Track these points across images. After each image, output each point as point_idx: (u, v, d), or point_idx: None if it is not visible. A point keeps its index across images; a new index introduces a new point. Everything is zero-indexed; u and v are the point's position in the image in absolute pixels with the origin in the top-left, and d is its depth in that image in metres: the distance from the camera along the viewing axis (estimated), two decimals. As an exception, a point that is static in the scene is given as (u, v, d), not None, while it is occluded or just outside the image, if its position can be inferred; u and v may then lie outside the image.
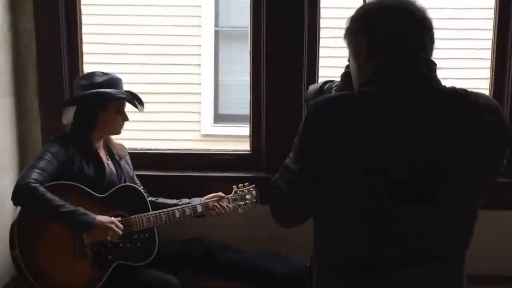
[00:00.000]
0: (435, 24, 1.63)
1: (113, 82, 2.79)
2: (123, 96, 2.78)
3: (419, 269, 1.60)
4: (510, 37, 3.10)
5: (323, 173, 1.57)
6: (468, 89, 1.59)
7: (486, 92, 3.19)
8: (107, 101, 2.76)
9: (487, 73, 3.32)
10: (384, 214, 1.55)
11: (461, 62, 5.70)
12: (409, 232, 1.56)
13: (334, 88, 1.93)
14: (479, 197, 1.62)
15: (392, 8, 1.59)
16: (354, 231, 1.59)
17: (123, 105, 2.83)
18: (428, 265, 1.61)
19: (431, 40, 1.62)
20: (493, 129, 1.58)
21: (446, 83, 1.62)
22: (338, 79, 1.91)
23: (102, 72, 2.81)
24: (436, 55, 1.64)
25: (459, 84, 1.62)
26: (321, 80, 2.12)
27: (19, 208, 2.62)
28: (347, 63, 1.77)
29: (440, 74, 1.62)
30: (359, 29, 1.63)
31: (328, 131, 1.55)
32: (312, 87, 2.11)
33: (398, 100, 1.54)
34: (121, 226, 2.64)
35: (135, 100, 2.82)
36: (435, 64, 1.60)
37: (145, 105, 2.90)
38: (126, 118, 2.83)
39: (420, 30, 1.59)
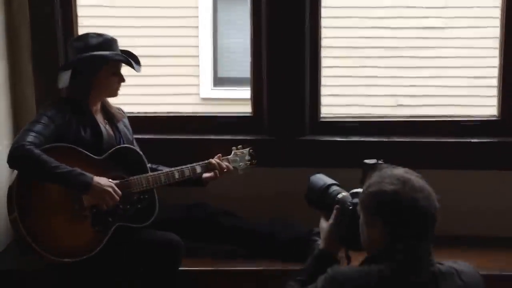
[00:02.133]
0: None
1: (108, 43, 2.74)
2: (119, 58, 2.74)
3: None
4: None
5: None
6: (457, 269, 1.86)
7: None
8: (102, 64, 2.72)
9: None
10: None
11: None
12: None
13: (338, 198, 2.12)
14: None
15: (410, 206, 1.79)
16: None
17: (119, 67, 2.79)
18: None
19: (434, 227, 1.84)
20: None
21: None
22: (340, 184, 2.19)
23: (97, 34, 2.76)
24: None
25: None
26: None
27: (16, 171, 2.60)
28: (358, 190, 2.00)
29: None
30: (374, 212, 1.84)
31: None
32: (316, 182, 2.25)
33: (401, 282, 1.80)
34: (120, 192, 2.62)
35: (132, 59, 2.77)
36: (431, 250, 1.84)
37: (142, 69, 2.85)
38: (122, 80, 2.79)
39: (432, 226, 1.82)
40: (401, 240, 1.80)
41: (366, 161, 2.15)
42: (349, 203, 2.06)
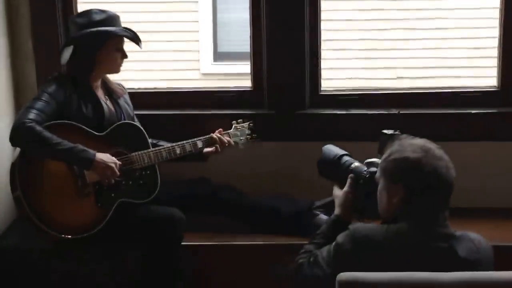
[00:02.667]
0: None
1: (111, 19, 2.74)
2: (124, 33, 2.74)
3: None
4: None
5: None
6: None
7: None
8: (106, 39, 2.71)
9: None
10: None
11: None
12: None
13: (351, 168, 2.22)
14: None
15: (432, 173, 1.90)
16: None
17: (122, 43, 2.78)
18: None
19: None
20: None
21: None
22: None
23: (99, 10, 2.75)
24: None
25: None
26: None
27: (18, 148, 2.61)
28: (373, 160, 2.14)
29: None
30: (397, 179, 1.94)
31: (363, 262, 1.90)
32: (328, 153, 2.33)
33: (420, 242, 1.90)
34: (120, 169, 2.63)
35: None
36: (447, 215, 1.95)
37: (143, 44, 2.84)
38: (125, 56, 2.79)
39: (449, 193, 1.93)
40: (420, 205, 1.91)
41: (385, 131, 2.25)
42: (365, 172, 2.15)
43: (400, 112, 2.34)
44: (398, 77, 4.57)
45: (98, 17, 2.70)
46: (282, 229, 2.88)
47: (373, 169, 2.13)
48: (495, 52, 3.27)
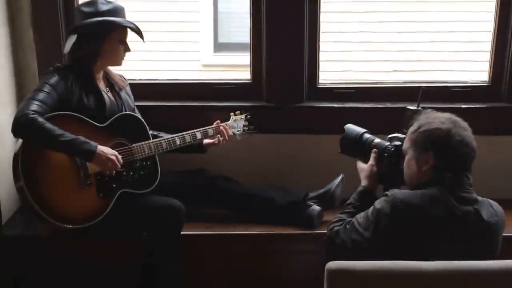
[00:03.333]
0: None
1: (117, 10, 2.75)
2: (130, 25, 2.74)
3: None
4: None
5: (388, 248, 2.09)
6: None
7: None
8: (112, 30, 2.72)
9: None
10: None
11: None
12: None
13: (374, 143, 2.45)
14: None
15: (460, 141, 2.10)
16: None
17: (126, 35, 2.79)
18: None
19: None
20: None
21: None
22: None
23: (106, 0, 2.75)
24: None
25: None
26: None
27: (20, 139, 2.62)
28: (395, 135, 2.39)
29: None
30: (428, 147, 2.13)
31: (402, 225, 2.08)
32: (351, 131, 2.55)
33: (450, 204, 2.09)
34: (121, 161, 2.66)
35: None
36: (471, 180, 2.16)
37: (144, 35, 2.84)
38: (128, 49, 2.80)
39: (472, 160, 2.14)
40: (448, 171, 2.11)
41: (409, 107, 2.44)
42: (390, 146, 2.38)
43: (423, 87, 2.52)
44: (394, 70, 4.58)
45: (104, 7, 2.71)
46: (277, 219, 2.92)
47: (397, 142, 2.36)
48: (486, 47, 3.30)
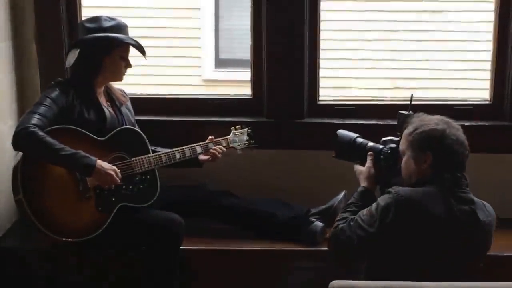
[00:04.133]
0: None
1: (120, 27, 2.77)
2: (132, 42, 2.77)
3: None
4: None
5: (393, 243, 2.21)
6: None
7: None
8: (114, 46, 2.74)
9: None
10: None
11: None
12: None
13: (368, 146, 2.55)
14: None
15: (455, 141, 2.22)
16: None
17: (128, 52, 2.82)
18: None
19: None
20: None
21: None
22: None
23: (109, 17, 2.78)
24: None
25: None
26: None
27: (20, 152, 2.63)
28: (388, 138, 2.51)
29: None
30: (425, 148, 2.24)
31: (405, 220, 2.18)
32: (344, 136, 2.62)
33: (448, 203, 2.20)
34: (120, 176, 2.66)
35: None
36: (467, 180, 2.27)
37: (146, 49, 2.85)
38: (129, 65, 2.82)
39: (467, 156, 2.26)
40: (447, 170, 2.22)
41: (401, 112, 2.50)
42: (386, 148, 2.48)
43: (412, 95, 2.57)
44: (396, 87, 4.62)
45: (107, 24, 2.74)
46: (278, 235, 2.92)
47: (392, 145, 2.46)
48: (488, 66, 3.32)
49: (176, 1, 6.48)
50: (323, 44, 3.31)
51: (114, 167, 2.65)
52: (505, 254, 2.80)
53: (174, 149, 2.86)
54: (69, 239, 2.64)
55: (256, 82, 3.27)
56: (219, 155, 2.94)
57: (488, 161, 3.13)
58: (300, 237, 2.89)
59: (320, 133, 3.20)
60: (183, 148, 2.88)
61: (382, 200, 2.24)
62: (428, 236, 2.18)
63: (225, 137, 2.99)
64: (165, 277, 2.71)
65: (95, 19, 2.76)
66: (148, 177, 2.82)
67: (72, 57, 2.74)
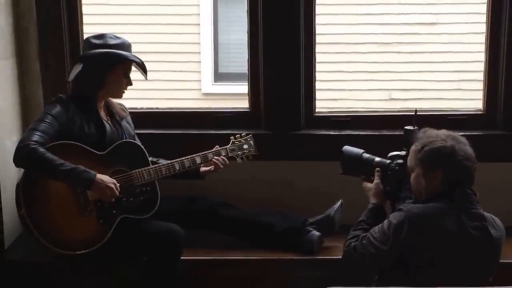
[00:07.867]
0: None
1: (125, 45, 2.82)
2: (136, 59, 2.81)
3: None
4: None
5: (406, 260, 2.21)
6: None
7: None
8: (117, 62, 2.78)
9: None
10: None
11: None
12: None
13: (375, 162, 2.55)
14: None
15: (464, 156, 2.22)
16: None
17: (130, 69, 2.86)
18: None
19: None
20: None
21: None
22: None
23: (115, 35, 2.84)
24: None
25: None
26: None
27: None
28: (395, 153, 2.50)
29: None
30: (435, 165, 2.23)
31: (418, 237, 2.19)
32: (350, 152, 2.63)
33: (460, 219, 2.21)
34: (119, 189, 2.69)
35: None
36: (477, 195, 2.28)
37: (146, 64, 2.89)
38: (130, 83, 2.86)
39: (475, 169, 2.26)
40: (457, 186, 2.22)
41: (407, 127, 2.50)
42: (394, 164, 2.49)
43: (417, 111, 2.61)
44: (391, 98, 4.66)
45: (112, 41, 2.79)
46: (276, 245, 2.94)
47: (400, 161, 2.46)
48: (481, 76, 3.36)
49: (175, 17, 6.56)
50: (319, 57, 3.35)
51: (114, 180, 2.68)
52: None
53: (173, 160, 2.89)
54: (71, 252, 2.67)
55: (253, 95, 3.31)
56: (222, 166, 2.95)
57: (482, 169, 3.15)
58: (298, 247, 2.93)
59: (316, 144, 3.24)
60: (182, 159, 2.89)
61: (394, 218, 2.24)
62: (440, 252, 2.19)
63: (224, 147, 3.00)
64: (166, 287, 2.75)
65: (101, 36, 2.81)
66: (148, 189, 2.84)
67: (74, 71, 2.78)
